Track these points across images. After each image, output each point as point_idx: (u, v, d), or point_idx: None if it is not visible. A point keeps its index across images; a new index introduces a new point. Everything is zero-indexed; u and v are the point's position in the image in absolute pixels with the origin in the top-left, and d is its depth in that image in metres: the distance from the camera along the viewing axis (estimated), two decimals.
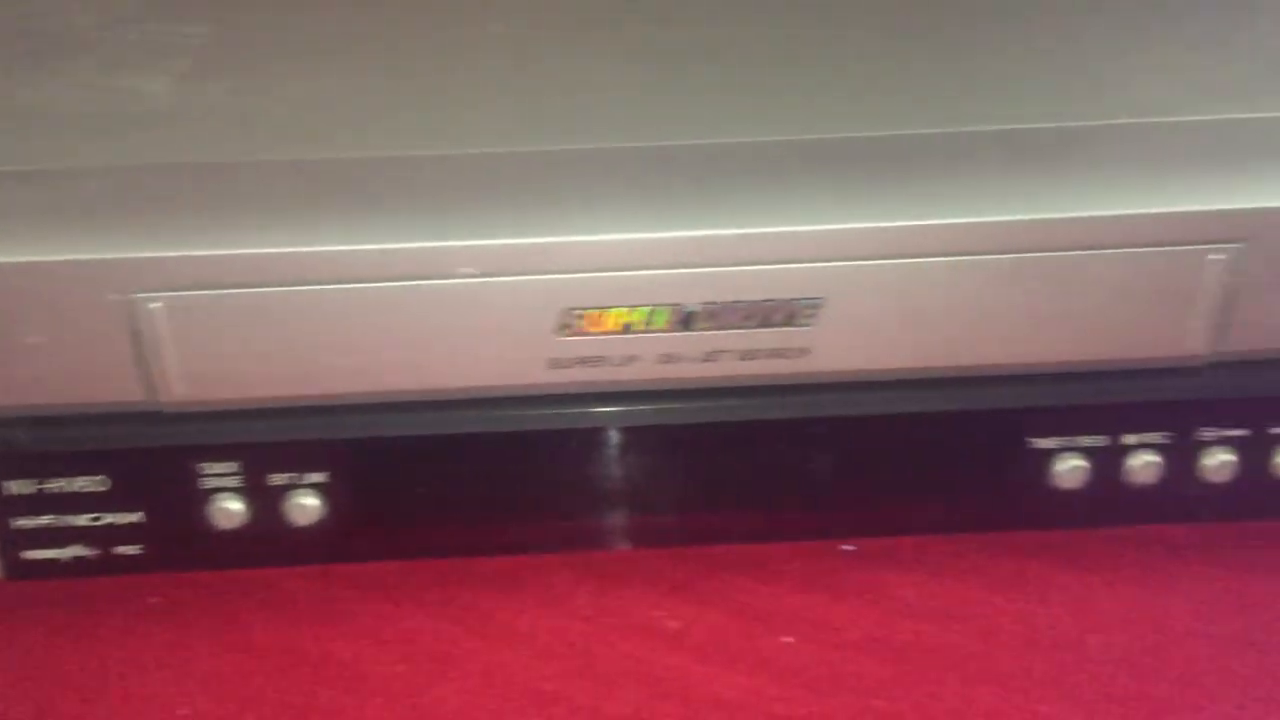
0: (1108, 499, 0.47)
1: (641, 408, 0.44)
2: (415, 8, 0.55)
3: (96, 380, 0.42)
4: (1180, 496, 0.47)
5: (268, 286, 0.40)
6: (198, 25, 0.52)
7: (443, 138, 0.44)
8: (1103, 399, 0.45)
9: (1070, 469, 0.46)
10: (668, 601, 0.48)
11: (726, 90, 0.47)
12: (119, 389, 0.42)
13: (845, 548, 0.50)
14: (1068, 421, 0.46)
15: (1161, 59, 0.48)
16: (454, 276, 0.40)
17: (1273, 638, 0.46)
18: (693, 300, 0.41)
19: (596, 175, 0.42)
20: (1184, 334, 0.43)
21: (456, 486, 0.45)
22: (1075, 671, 0.45)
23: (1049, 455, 0.46)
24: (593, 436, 0.44)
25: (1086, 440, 0.46)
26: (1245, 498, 0.47)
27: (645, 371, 0.43)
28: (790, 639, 0.47)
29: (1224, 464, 0.46)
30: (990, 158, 0.43)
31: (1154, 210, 0.41)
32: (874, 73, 0.48)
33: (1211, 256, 0.42)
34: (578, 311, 0.41)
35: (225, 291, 0.40)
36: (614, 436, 0.44)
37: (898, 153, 0.43)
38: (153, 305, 0.41)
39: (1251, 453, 0.46)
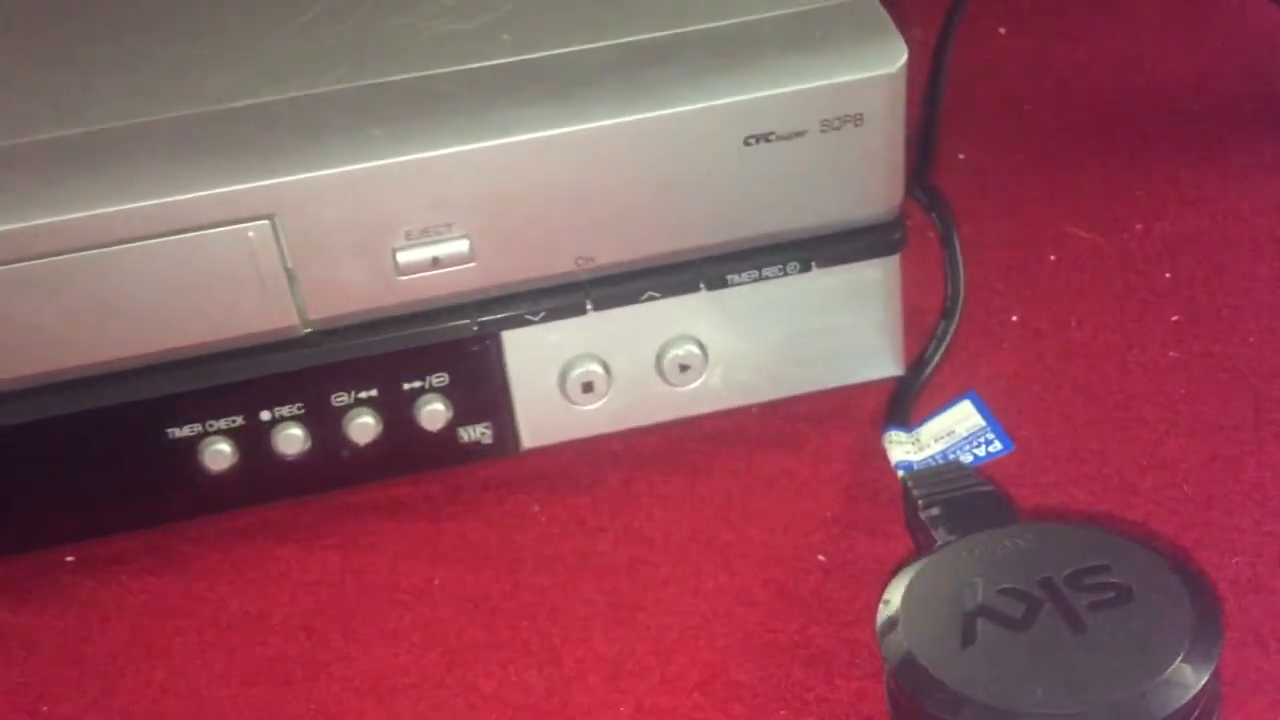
0: (273, 473, 0.48)
1: None
2: None
3: None
4: (342, 460, 0.48)
5: None
6: None
7: None
8: (226, 380, 0.46)
9: (215, 452, 0.47)
10: None
11: None
12: None
13: (68, 559, 0.50)
14: (198, 408, 0.46)
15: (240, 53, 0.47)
16: None
17: (448, 583, 0.48)
18: None
19: None
20: (271, 308, 0.44)
21: None
22: (261, 640, 0.46)
23: (193, 442, 0.47)
24: None
25: (223, 423, 0.46)
26: (405, 452, 0.48)
27: None
28: None
29: (365, 425, 0.47)
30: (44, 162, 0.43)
31: (177, 197, 0.41)
32: None
33: (251, 234, 0.42)
34: None
35: None
36: None
37: None
38: None
39: (389, 409, 0.47)
